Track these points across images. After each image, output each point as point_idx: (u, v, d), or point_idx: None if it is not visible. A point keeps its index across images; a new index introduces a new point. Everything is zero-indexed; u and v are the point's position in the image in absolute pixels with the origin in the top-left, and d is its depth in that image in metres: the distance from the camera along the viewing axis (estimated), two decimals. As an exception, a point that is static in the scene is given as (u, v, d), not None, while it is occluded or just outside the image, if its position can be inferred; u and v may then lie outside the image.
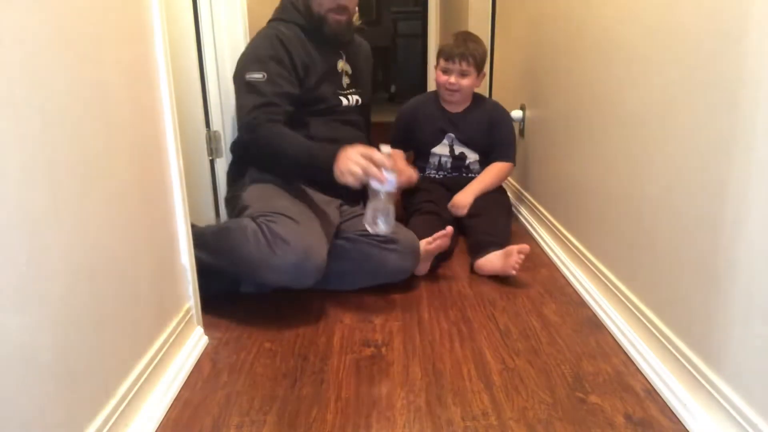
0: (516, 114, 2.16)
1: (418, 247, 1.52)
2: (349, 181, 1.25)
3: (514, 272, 1.52)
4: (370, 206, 1.29)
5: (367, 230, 1.39)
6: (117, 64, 0.91)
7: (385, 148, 1.29)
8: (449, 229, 1.54)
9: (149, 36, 1.04)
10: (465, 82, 1.90)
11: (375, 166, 1.23)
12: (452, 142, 1.99)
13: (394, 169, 1.27)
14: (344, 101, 1.62)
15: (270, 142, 1.42)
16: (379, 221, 1.29)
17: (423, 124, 2.00)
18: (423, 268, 1.57)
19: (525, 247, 1.51)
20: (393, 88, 6.02)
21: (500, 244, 1.61)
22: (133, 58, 0.97)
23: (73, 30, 0.79)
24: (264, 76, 1.45)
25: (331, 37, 1.57)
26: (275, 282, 1.33)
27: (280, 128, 1.42)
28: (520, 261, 1.51)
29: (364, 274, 1.49)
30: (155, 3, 1.05)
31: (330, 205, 1.54)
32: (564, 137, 1.69)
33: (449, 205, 1.87)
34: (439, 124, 1.98)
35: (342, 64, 1.64)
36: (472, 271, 1.62)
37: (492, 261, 1.58)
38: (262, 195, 1.45)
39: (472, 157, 2.00)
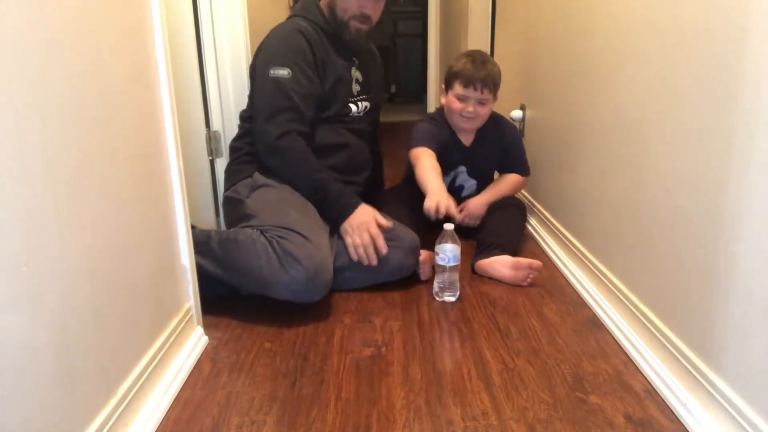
0: (516, 114, 2.15)
1: (418, 245, 1.52)
2: (349, 243, 1.44)
3: (525, 284, 1.51)
4: (437, 280, 1.45)
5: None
6: (117, 64, 0.91)
7: (449, 226, 1.40)
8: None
9: (149, 36, 1.04)
10: (484, 110, 1.73)
11: (379, 244, 1.42)
12: (457, 174, 1.87)
13: (457, 244, 1.39)
14: (354, 108, 1.63)
15: (292, 169, 1.49)
16: (445, 295, 1.45)
17: (440, 151, 1.71)
18: (426, 271, 1.55)
19: (537, 263, 1.49)
20: (393, 88, 6.03)
21: (505, 248, 1.59)
22: (133, 58, 0.97)
23: (73, 30, 0.79)
24: (289, 72, 1.46)
25: (348, 43, 1.58)
26: (282, 297, 1.32)
27: (303, 152, 1.48)
28: (532, 276, 1.50)
29: (366, 273, 1.49)
30: (155, 3, 1.05)
31: None
32: (563, 137, 1.69)
33: (461, 211, 1.78)
34: (454, 156, 1.81)
35: (354, 72, 1.65)
36: (473, 270, 1.62)
37: (496, 267, 1.55)
38: (267, 204, 1.45)
39: (470, 189, 1.90)
